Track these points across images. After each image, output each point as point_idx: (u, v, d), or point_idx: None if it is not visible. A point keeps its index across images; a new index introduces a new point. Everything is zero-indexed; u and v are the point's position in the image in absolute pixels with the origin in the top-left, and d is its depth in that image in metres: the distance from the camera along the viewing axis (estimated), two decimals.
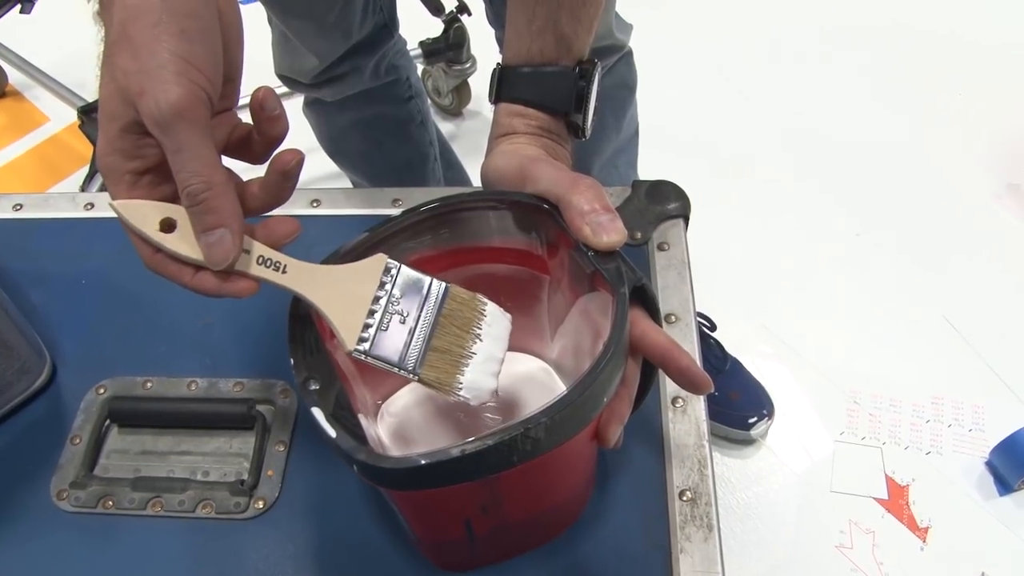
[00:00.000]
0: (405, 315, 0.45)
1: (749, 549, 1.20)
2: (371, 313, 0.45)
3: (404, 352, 0.45)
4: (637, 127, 1.23)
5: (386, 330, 0.45)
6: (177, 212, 0.43)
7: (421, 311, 0.46)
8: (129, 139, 0.41)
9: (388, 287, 0.46)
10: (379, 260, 0.46)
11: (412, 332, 0.45)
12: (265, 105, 0.43)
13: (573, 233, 0.48)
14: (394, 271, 0.46)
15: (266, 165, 0.46)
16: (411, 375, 0.45)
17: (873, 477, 1.26)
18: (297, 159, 0.44)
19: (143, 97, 0.39)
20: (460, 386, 0.45)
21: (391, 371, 0.45)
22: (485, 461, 0.40)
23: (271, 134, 0.45)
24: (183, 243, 0.43)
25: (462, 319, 0.46)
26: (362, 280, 0.46)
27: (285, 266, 0.45)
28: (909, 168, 1.71)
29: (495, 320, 0.47)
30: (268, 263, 0.44)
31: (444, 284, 0.47)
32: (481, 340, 0.46)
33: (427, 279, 0.47)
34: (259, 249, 0.44)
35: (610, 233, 0.47)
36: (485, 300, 0.48)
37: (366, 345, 0.45)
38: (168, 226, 0.43)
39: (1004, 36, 1.98)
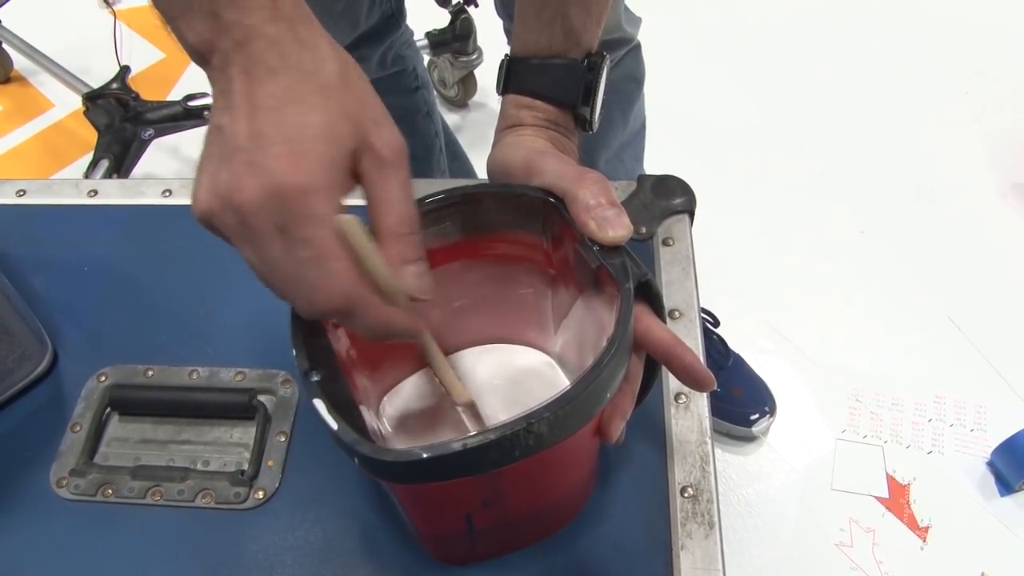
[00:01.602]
0: None
1: (749, 546, 1.20)
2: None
3: None
4: (644, 121, 1.22)
5: None
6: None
7: None
8: (341, 168, 0.40)
9: None
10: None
11: None
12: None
13: (578, 227, 0.48)
14: None
15: None
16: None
17: (874, 476, 1.25)
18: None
19: (381, 129, 0.41)
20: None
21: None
22: (487, 455, 0.40)
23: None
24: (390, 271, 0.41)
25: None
26: None
27: None
28: (914, 166, 1.70)
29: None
30: None
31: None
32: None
33: None
34: None
35: (616, 228, 0.47)
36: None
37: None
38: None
39: (1011, 34, 1.97)
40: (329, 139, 0.39)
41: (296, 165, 0.38)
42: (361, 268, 0.40)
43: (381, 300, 0.41)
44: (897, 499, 1.23)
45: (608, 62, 0.59)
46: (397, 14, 1.10)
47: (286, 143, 0.38)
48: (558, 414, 0.40)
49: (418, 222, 0.42)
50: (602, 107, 0.60)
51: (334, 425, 0.41)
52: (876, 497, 1.23)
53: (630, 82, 1.13)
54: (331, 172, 0.39)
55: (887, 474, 1.26)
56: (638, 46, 1.10)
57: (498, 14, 1.05)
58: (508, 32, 1.07)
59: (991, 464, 1.25)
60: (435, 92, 1.53)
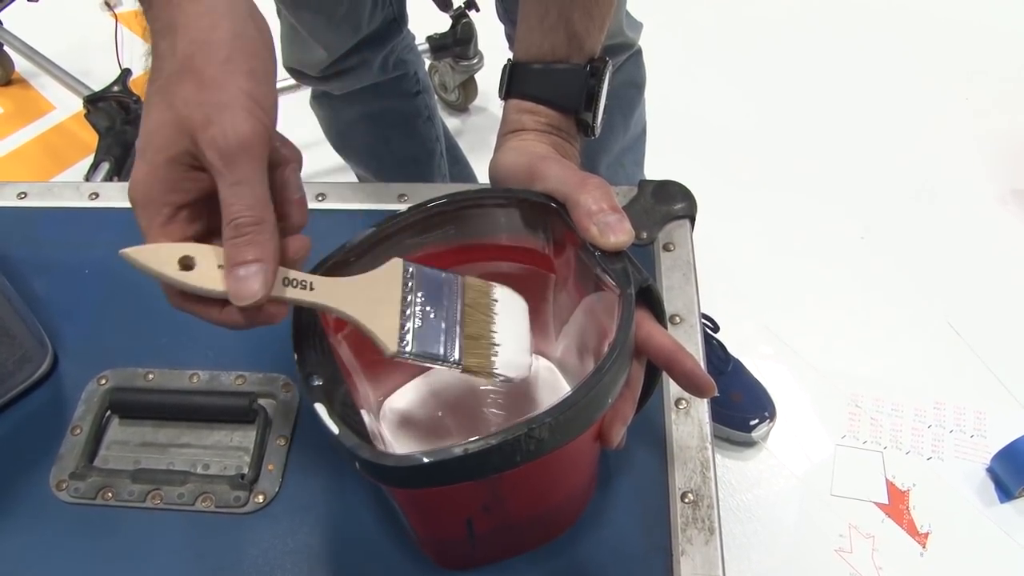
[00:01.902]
0: (434, 311, 0.46)
1: (748, 552, 1.20)
2: (404, 314, 0.45)
3: (444, 345, 0.46)
4: (645, 126, 1.22)
5: (421, 327, 0.46)
6: (192, 250, 0.42)
7: (446, 304, 0.47)
8: (175, 170, 0.41)
9: (412, 287, 0.46)
10: (396, 264, 0.47)
11: (445, 325, 0.46)
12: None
13: (580, 233, 0.48)
14: (412, 271, 0.47)
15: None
16: (456, 366, 0.46)
17: (874, 481, 1.25)
18: (303, 246, 0.45)
19: (208, 128, 0.39)
20: (497, 368, 0.46)
21: (435, 365, 0.45)
22: (488, 461, 0.40)
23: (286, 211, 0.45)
24: (205, 279, 0.41)
25: (483, 306, 0.48)
26: (386, 286, 0.46)
27: (311, 284, 0.44)
28: (914, 172, 1.71)
29: (510, 300, 0.49)
30: (295, 283, 0.44)
31: (460, 276, 0.48)
32: (504, 321, 0.48)
33: (443, 274, 0.48)
34: (283, 271, 0.44)
35: (617, 234, 0.47)
36: (495, 284, 0.49)
37: (408, 345, 0.45)
38: (186, 265, 0.41)
39: (1012, 41, 1.98)
40: (158, 147, 0.40)
41: (135, 176, 0.41)
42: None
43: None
44: (897, 505, 1.23)
45: (611, 67, 0.59)
46: (399, 18, 1.10)
47: (139, 151, 0.41)
48: (559, 419, 0.40)
49: (251, 221, 0.40)
50: (604, 112, 0.60)
51: (335, 429, 0.41)
52: (876, 503, 1.23)
53: (631, 87, 1.13)
54: (156, 184, 0.41)
55: (887, 480, 1.26)
56: (639, 51, 1.11)
57: (500, 19, 1.05)
58: (509, 37, 1.08)
59: (991, 470, 1.25)
60: (436, 96, 1.53)
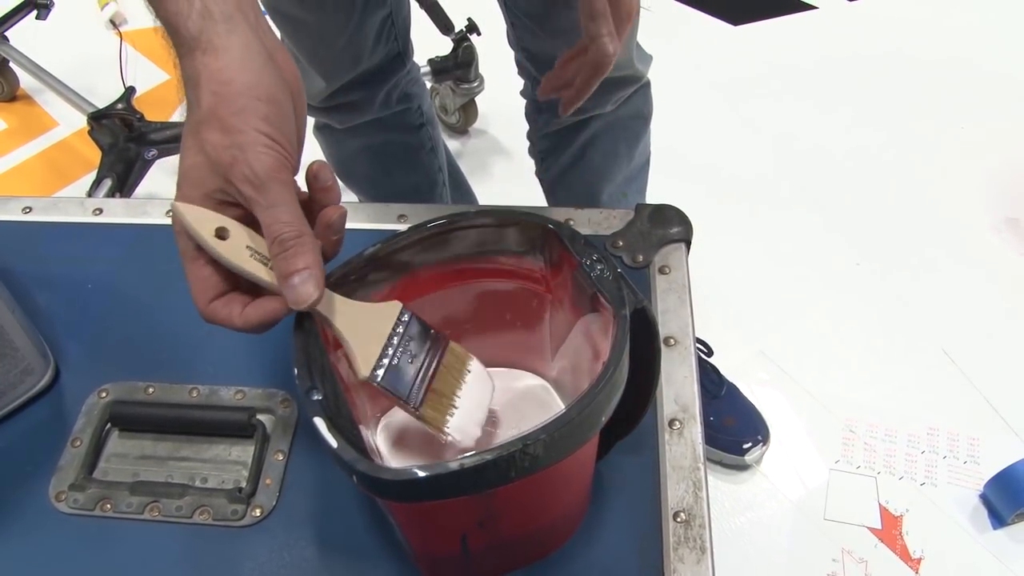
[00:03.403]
0: (412, 358, 0.50)
1: (741, 575, 1.20)
2: (386, 349, 0.49)
3: (412, 388, 0.49)
4: (649, 156, 1.23)
5: (397, 365, 0.49)
6: (229, 224, 0.46)
7: (425, 356, 0.50)
8: (208, 202, 0.46)
9: (401, 331, 0.50)
10: (395, 306, 0.50)
11: (419, 373, 0.50)
12: (319, 176, 0.49)
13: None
14: (406, 318, 0.50)
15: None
16: (415, 411, 0.49)
17: (867, 506, 1.26)
18: (340, 213, 0.49)
19: (236, 166, 0.44)
20: (448, 428, 0.50)
21: (397, 402, 0.49)
22: (483, 476, 0.40)
23: (324, 201, 0.49)
24: (231, 252, 0.46)
25: (456, 370, 0.51)
26: (380, 319, 0.50)
27: None
28: (910, 200, 1.72)
29: (481, 377, 0.53)
30: None
31: (447, 340, 0.52)
32: (469, 390, 0.51)
33: (432, 331, 0.51)
34: None
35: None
36: (473, 358, 0.53)
37: (380, 374, 0.48)
38: (220, 236, 0.46)
39: (1008, 70, 2.00)
40: (193, 182, 0.46)
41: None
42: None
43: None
44: (890, 530, 1.23)
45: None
46: (403, 53, 1.10)
47: (178, 186, 0.47)
48: (554, 436, 0.41)
49: (293, 235, 0.45)
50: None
51: (334, 443, 0.42)
52: (869, 528, 1.23)
53: (638, 119, 1.14)
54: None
55: (880, 505, 1.26)
56: (647, 84, 1.11)
57: (511, 46, 1.05)
58: (519, 64, 1.09)
59: (984, 497, 1.26)
60: (440, 126, 1.53)
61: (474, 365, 0.53)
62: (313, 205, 0.49)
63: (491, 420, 0.58)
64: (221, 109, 0.45)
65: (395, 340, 0.49)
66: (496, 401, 0.58)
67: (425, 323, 0.51)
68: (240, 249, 0.46)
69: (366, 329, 0.49)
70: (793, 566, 1.21)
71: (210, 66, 0.45)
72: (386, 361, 0.48)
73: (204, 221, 0.46)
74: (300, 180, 0.48)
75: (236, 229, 0.46)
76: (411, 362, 0.49)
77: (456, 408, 0.50)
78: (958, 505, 1.26)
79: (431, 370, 0.50)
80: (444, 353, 0.51)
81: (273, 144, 0.45)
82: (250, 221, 0.47)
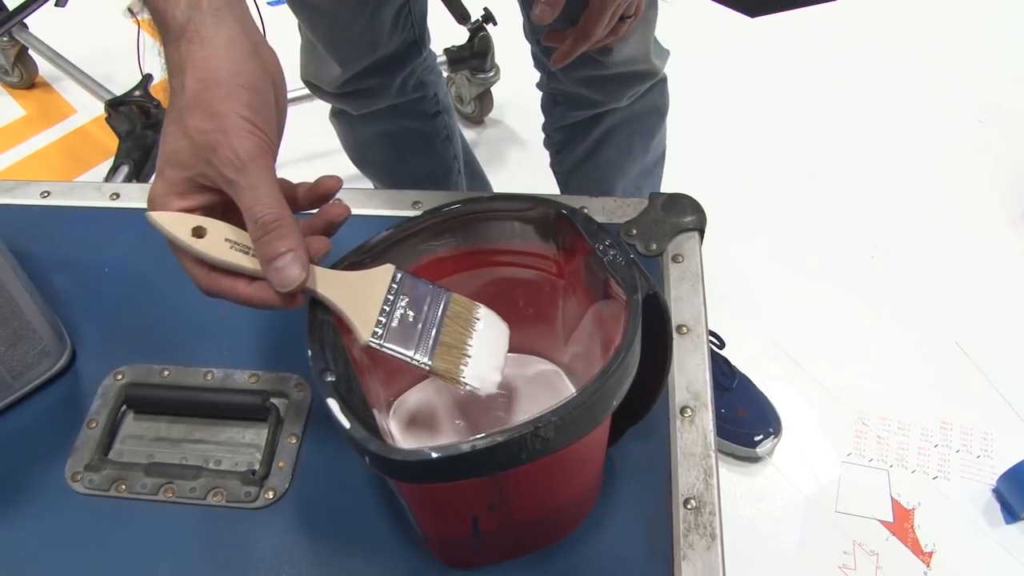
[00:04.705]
0: (413, 315, 0.49)
1: (752, 567, 1.20)
2: (383, 311, 0.49)
3: (416, 345, 0.49)
4: (664, 151, 1.23)
5: (396, 325, 0.49)
6: (204, 222, 0.47)
7: (427, 311, 0.50)
8: (188, 186, 0.48)
9: (396, 290, 0.50)
10: (387, 269, 0.50)
11: (421, 328, 0.49)
12: (332, 193, 0.52)
13: None
14: (400, 277, 0.50)
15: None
16: (425, 366, 0.48)
17: (879, 499, 1.26)
18: (343, 211, 0.51)
19: (219, 149, 0.45)
20: (464, 378, 0.49)
21: (405, 360, 0.48)
22: (495, 457, 0.41)
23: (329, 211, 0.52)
24: (211, 247, 0.47)
25: (463, 319, 0.51)
26: (374, 284, 0.50)
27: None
28: (926, 193, 1.71)
29: (493, 322, 0.52)
30: None
31: (448, 292, 0.51)
32: (481, 337, 0.51)
33: (430, 286, 0.51)
34: None
35: None
36: (480, 305, 0.52)
37: (381, 334, 0.48)
38: (198, 234, 0.47)
39: None
40: (175, 166, 0.47)
41: (154, 189, 0.48)
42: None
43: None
44: (901, 523, 1.23)
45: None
46: (419, 40, 1.09)
47: (158, 169, 0.48)
48: (565, 419, 0.41)
49: (274, 217, 0.45)
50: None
51: (346, 424, 0.42)
52: (880, 521, 1.23)
53: (653, 114, 1.13)
54: (172, 196, 0.48)
55: (892, 498, 1.26)
56: (664, 79, 1.11)
57: (526, 38, 1.05)
58: (535, 57, 1.08)
59: (996, 491, 1.25)
60: (455, 115, 1.53)
61: (483, 312, 0.52)
62: (310, 202, 0.52)
63: (503, 406, 0.58)
64: (206, 96, 0.46)
65: (392, 301, 0.49)
66: (508, 387, 0.59)
67: (422, 279, 0.51)
68: (219, 243, 0.47)
69: (361, 296, 0.49)
70: (804, 558, 1.21)
71: (195, 54, 0.46)
72: (384, 320, 0.48)
73: (179, 224, 0.47)
74: (281, 173, 0.49)
75: (213, 225, 0.47)
76: (412, 320, 0.49)
77: (469, 357, 0.50)
78: (970, 499, 1.25)
79: (436, 324, 0.50)
80: (448, 305, 0.51)
81: (255, 130, 0.46)
82: (228, 209, 0.48)
